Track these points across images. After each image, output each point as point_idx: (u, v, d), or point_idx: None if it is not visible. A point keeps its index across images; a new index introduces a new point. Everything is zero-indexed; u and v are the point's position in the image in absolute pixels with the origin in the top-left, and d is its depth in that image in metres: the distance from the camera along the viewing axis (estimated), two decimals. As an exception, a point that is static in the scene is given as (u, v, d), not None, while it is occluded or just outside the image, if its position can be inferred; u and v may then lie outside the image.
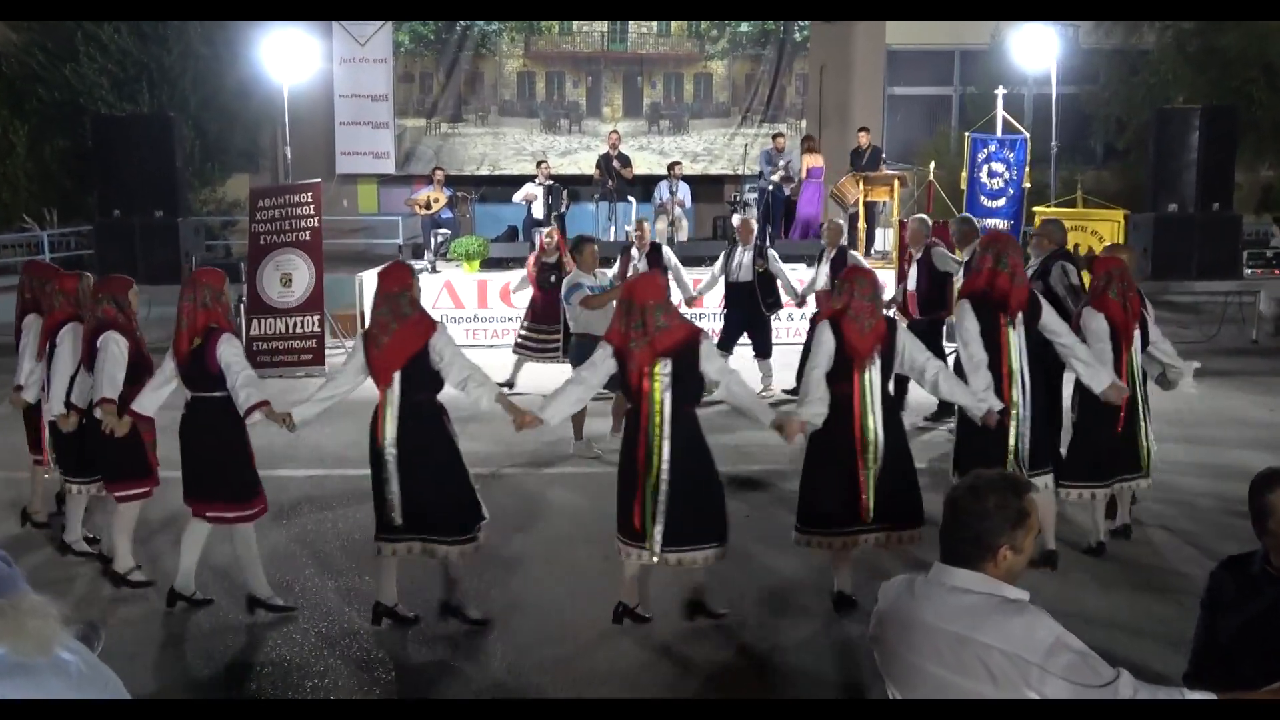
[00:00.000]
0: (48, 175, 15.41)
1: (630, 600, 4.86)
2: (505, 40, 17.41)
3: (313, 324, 11.00)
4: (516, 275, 10.93)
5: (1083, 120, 16.48)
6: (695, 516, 4.58)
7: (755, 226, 9.73)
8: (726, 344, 9.31)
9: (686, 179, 14.58)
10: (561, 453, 7.64)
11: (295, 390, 7.93)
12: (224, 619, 5.00)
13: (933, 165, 13.23)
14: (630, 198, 13.85)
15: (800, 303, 9.85)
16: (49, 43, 15.12)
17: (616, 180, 13.74)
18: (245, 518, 4.96)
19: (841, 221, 9.53)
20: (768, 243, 11.26)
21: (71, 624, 1.87)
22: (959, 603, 2.26)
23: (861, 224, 12.85)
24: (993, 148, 12.33)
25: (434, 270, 12.45)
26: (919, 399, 8.07)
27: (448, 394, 4.76)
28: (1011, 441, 5.16)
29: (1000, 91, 12.77)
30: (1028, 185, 12.24)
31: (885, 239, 13.63)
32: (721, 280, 9.49)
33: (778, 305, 9.58)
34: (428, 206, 13.78)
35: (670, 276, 8.93)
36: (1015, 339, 5.15)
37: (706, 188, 16.85)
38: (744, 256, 9.27)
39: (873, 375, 4.73)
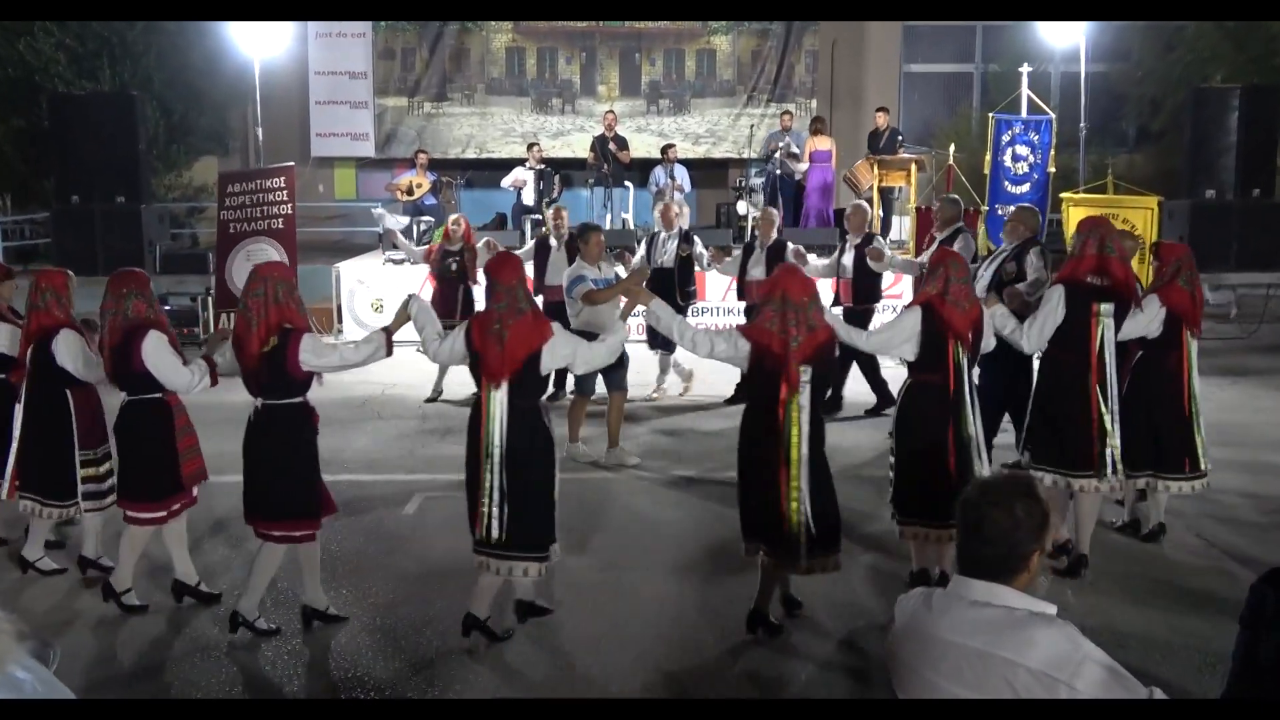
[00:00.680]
0: (0, 158, 15.38)
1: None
2: (493, 13, 17.42)
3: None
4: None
5: (1114, 100, 16.41)
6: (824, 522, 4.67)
7: (776, 219, 9.43)
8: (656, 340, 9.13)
9: (688, 163, 14.55)
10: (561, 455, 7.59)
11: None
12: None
13: (953, 148, 13.11)
14: (627, 183, 13.83)
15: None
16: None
17: (612, 164, 13.72)
18: (313, 536, 4.91)
19: (866, 206, 9.35)
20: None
21: (26, 640, 1.87)
22: (981, 617, 2.26)
23: (876, 210, 12.76)
24: (1017, 129, 12.28)
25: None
26: (857, 395, 8.78)
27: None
28: (1108, 444, 5.30)
29: (1025, 69, 12.77)
30: (1053, 170, 12.25)
31: (902, 227, 13.60)
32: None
33: (694, 297, 9.67)
34: (410, 192, 13.74)
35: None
36: (1106, 333, 5.30)
37: (710, 172, 16.85)
38: (670, 244, 9.34)
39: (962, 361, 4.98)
